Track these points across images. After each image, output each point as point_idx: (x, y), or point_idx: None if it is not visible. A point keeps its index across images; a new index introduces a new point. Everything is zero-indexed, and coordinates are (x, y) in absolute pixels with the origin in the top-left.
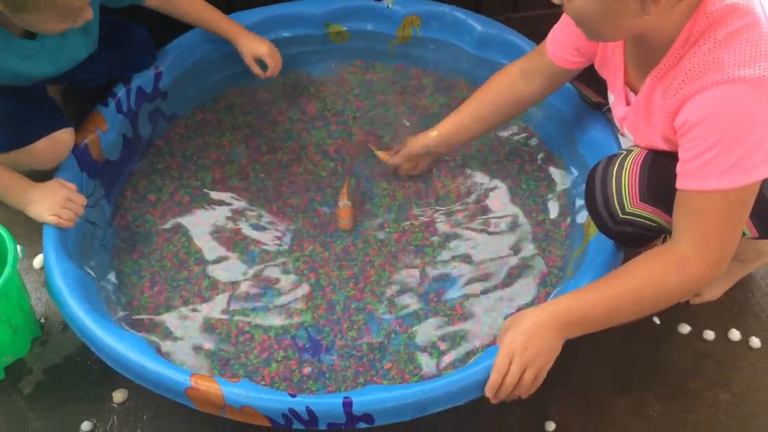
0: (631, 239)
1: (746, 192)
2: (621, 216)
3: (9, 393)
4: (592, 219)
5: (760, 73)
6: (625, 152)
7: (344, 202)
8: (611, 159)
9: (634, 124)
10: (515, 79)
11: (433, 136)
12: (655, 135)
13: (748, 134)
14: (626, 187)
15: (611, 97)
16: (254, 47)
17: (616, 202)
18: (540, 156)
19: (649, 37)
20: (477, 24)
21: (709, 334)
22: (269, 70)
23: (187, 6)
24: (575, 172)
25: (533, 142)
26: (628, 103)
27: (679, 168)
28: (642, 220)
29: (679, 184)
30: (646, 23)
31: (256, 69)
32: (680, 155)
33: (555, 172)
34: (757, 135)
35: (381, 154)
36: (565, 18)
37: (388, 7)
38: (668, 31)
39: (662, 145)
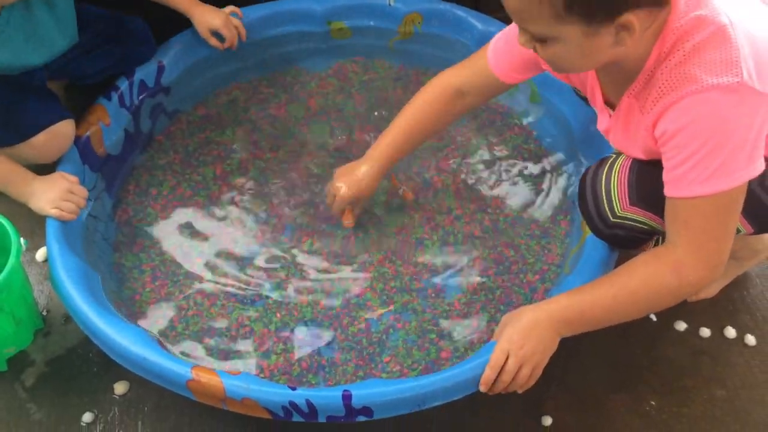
0: (624, 241)
1: (733, 195)
2: (612, 220)
3: (11, 384)
4: (585, 221)
5: (731, 80)
6: (615, 155)
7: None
8: (602, 162)
9: (616, 138)
10: (449, 98)
11: (366, 172)
12: (636, 148)
13: (726, 139)
14: (616, 190)
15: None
16: (208, 20)
17: (606, 206)
18: (539, 154)
19: (621, 62)
20: (477, 22)
21: (705, 332)
22: (227, 42)
23: None
24: (574, 170)
25: (532, 139)
26: (610, 116)
27: (665, 176)
28: (633, 223)
29: (666, 191)
30: (620, 51)
31: (212, 41)
32: (664, 164)
33: (554, 170)
34: (735, 139)
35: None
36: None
37: (389, 5)
38: (640, 54)
39: (643, 157)
